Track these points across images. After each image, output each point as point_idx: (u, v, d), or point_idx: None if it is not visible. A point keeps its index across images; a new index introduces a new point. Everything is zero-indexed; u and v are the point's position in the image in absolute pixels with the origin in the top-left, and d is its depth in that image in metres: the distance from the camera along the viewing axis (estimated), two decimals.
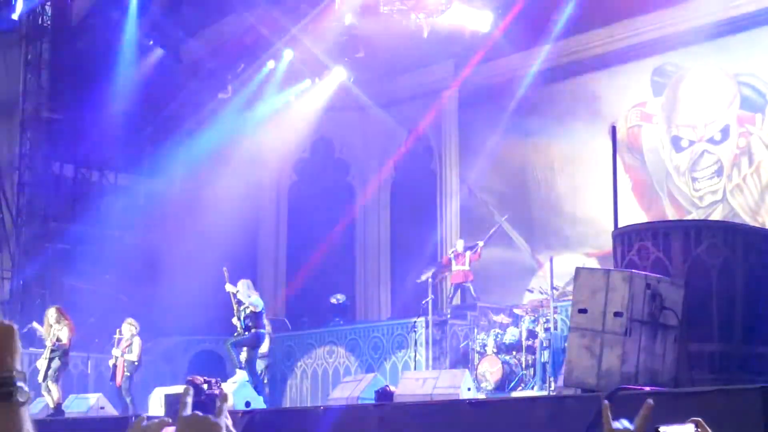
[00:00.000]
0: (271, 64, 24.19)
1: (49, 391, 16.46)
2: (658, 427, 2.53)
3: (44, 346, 16.97)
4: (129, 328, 18.65)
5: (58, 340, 16.66)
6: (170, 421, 2.34)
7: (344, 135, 26.27)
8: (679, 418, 2.66)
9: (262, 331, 17.27)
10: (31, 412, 2.31)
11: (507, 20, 21.65)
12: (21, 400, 2.29)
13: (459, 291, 21.04)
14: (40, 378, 16.51)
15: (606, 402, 2.58)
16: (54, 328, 16.79)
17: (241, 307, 17.11)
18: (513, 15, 21.46)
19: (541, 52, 22.15)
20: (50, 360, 16.61)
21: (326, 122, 26.09)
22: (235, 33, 23.62)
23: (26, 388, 2.29)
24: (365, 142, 26.13)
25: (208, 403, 10.87)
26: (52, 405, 16.39)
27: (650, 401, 2.52)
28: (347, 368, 20.49)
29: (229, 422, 2.29)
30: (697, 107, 20.39)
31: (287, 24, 22.64)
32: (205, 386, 11.68)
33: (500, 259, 22.57)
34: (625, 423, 2.53)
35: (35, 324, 17.76)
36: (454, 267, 20.81)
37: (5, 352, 2.38)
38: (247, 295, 17.12)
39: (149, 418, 2.40)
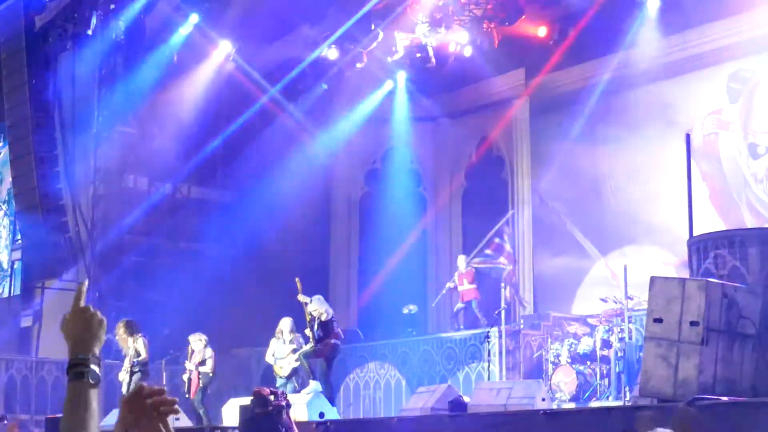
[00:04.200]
0: (342, 75, 24.25)
1: None
2: None
3: (121, 358, 17.11)
4: (197, 342, 18.76)
5: (137, 354, 16.79)
6: None
7: (415, 145, 26.23)
8: (759, 429, 2.59)
9: (334, 341, 17.28)
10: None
11: (578, 28, 21.51)
12: (92, 381, 2.64)
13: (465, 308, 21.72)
14: (124, 390, 16.65)
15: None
16: (131, 341, 16.92)
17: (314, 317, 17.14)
18: (584, 23, 21.30)
19: (614, 59, 21.91)
20: (131, 374, 16.74)
21: (397, 132, 26.10)
22: (306, 45, 23.72)
23: (99, 372, 2.60)
24: (436, 151, 26.09)
25: (274, 413, 10.91)
26: None
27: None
28: (420, 379, 20.42)
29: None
30: None
31: (358, 35, 22.72)
32: (272, 397, 11.69)
33: (573, 269, 22.38)
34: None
35: (112, 336, 17.91)
36: (462, 287, 21.78)
37: (91, 336, 2.79)
38: (318, 305, 17.18)
39: (223, 429, 2.47)
